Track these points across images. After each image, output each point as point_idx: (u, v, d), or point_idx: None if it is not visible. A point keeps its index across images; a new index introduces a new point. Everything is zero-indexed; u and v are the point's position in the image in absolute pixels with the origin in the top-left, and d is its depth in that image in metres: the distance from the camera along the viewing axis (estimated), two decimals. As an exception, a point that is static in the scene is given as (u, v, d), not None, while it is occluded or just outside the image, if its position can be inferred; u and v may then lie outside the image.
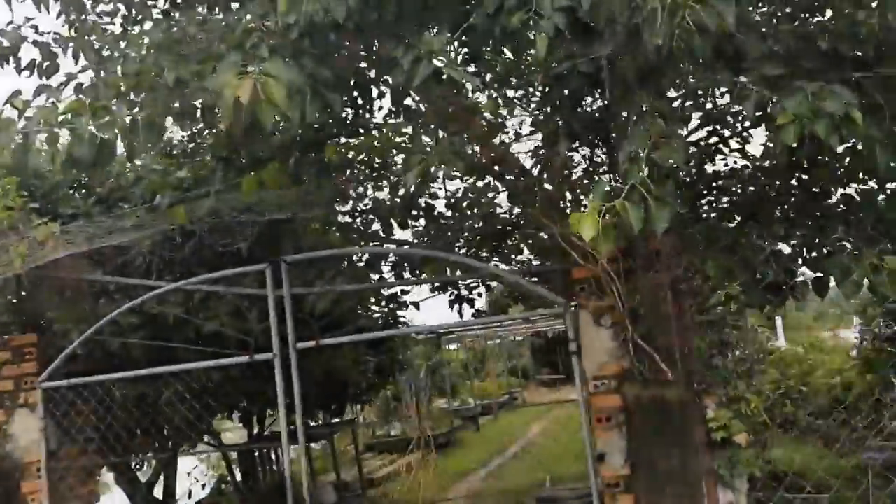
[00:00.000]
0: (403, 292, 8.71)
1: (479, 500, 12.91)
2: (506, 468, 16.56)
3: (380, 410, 20.40)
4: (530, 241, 7.36)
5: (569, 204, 5.98)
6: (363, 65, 5.95)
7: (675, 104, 6.22)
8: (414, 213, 7.21)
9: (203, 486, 13.53)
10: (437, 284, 8.48)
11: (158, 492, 9.14)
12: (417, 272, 7.04)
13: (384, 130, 7.02)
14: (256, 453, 13.45)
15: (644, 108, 4.57)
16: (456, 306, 9.01)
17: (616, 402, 5.56)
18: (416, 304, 8.56)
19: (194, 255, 6.90)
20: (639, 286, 5.47)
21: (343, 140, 7.10)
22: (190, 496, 14.53)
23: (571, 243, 5.59)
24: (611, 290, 5.56)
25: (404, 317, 10.09)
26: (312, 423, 13.57)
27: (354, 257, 7.25)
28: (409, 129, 6.93)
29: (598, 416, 5.60)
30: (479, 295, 9.71)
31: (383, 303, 10.10)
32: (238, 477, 13.29)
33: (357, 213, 7.56)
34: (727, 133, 6.73)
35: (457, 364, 29.02)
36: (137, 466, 9.46)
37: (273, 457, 13.78)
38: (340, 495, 13.78)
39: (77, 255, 6.52)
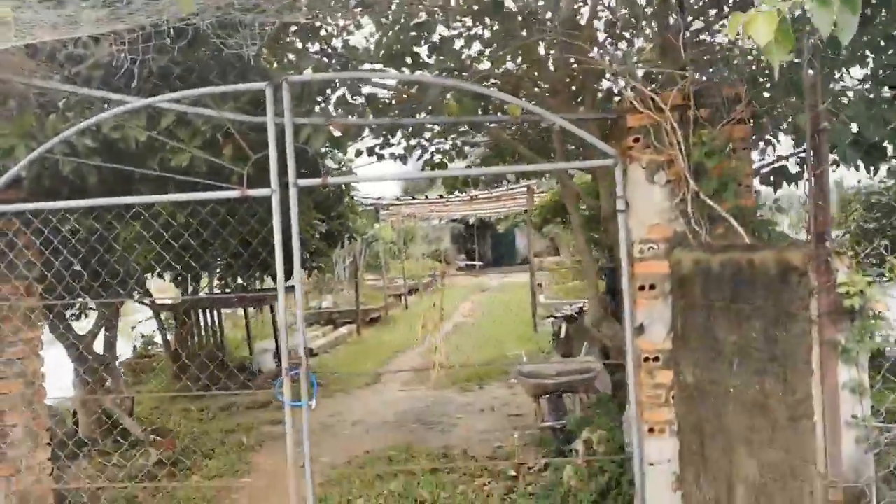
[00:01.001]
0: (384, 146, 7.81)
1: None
2: (452, 345, 16.13)
3: (312, 281, 19.64)
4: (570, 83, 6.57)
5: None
6: None
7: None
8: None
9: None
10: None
11: (98, 346, 8.25)
12: (427, 113, 6.13)
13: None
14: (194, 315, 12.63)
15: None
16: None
17: (663, 268, 4.96)
18: (401, 157, 7.68)
19: (179, 65, 5.88)
20: (705, 139, 4.79)
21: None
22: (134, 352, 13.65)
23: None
24: (671, 141, 4.87)
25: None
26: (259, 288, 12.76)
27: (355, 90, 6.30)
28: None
29: (640, 284, 4.99)
30: (451, 159, 8.96)
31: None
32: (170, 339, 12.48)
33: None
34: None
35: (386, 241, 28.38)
36: (73, 316, 8.52)
37: (204, 320, 12.99)
38: (279, 363, 13.10)
39: (26, 51, 5.46)
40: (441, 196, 19.37)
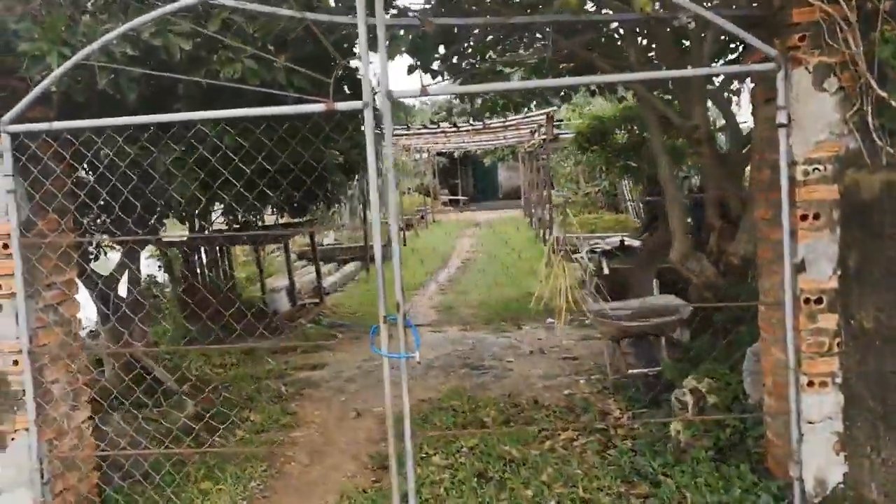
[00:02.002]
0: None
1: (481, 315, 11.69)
2: (462, 283, 15.43)
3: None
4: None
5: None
6: None
7: None
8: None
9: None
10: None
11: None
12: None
13: None
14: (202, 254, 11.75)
15: None
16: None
17: (831, 193, 4.22)
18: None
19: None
20: (888, 36, 4.00)
21: None
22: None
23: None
24: (848, 38, 4.07)
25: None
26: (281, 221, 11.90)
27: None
28: None
29: (802, 213, 4.24)
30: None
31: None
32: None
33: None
34: None
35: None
36: (93, 255, 7.65)
37: (212, 259, 12.11)
38: (294, 303, 12.34)
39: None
40: (455, 125, 18.37)
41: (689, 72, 5.89)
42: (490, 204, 45.97)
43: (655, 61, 7.20)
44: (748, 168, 7.00)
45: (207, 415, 6.73)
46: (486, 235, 26.10)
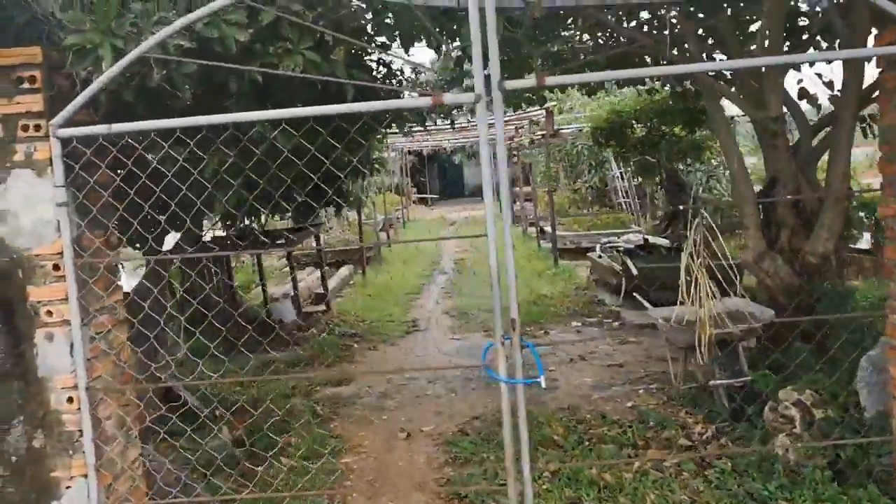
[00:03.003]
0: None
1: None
2: (464, 285, 14.92)
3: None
4: None
5: None
6: None
7: None
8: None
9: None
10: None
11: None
12: None
13: None
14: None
15: None
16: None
17: None
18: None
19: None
20: None
21: None
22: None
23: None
24: None
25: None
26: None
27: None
28: None
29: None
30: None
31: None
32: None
33: None
34: None
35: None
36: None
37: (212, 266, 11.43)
38: (300, 312, 11.74)
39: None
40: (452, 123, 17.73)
41: (833, 54, 5.41)
42: (457, 201, 45.65)
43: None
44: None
45: (247, 441, 6.19)
46: (467, 232, 25.60)
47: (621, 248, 11.49)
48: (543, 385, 3.87)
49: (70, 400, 4.03)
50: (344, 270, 16.62)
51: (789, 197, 6.16)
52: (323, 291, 13.29)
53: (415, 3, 3.94)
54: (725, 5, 6.22)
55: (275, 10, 4.68)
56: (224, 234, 11.81)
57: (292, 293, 11.96)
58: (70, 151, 3.92)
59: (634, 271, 10.15)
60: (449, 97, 3.79)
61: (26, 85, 3.94)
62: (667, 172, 12.19)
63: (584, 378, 7.86)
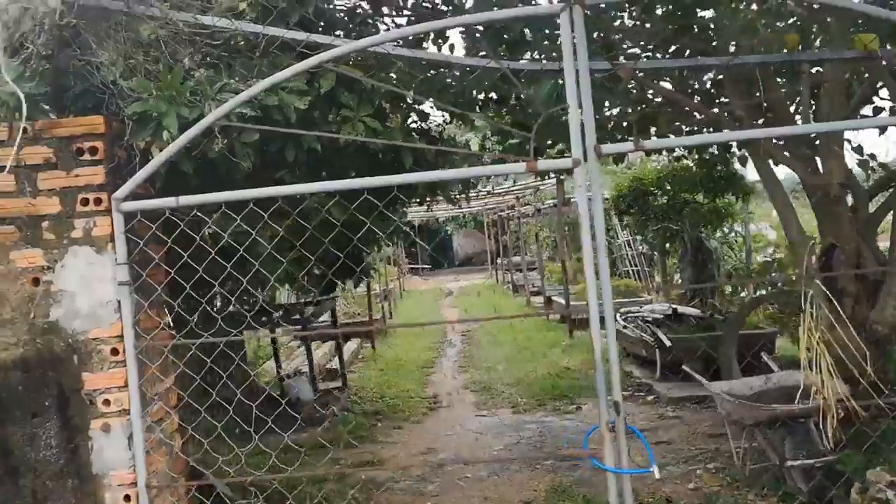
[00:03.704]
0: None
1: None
2: (479, 358, 14.54)
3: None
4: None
5: None
6: None
7: None
8: None
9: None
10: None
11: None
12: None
13: None
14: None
15: None
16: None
17: None
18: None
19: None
20: None
21: None
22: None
23: None
24: None
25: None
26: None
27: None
28: None
29: None
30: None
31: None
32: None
33: None
34: None
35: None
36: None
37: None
38: (316, 390, 11.31)
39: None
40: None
41: (863, 122, 5.23)
42: (448, 270, 45.58)
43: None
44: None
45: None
46: (471, 304, 25.29)
47: (647, 318, 11.20)
48: (657, 475, 3.53)
49: (127, 498, 3.67)
50: (351, 345, 16.20)
51: (856, 271, 5.93)
52: (336, 367, 12.90)
53: (512, 66, 3.69)
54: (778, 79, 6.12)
55: (332, 78, 4.49)
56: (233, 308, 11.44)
57: (306, 370, 11.55)
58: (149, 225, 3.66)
59: (668, 343, 9.83)
60: (544, 163, 3.54)
61: (87, 156, 3.67)
62: (691, 240, 12.00)
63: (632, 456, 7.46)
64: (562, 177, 14.99)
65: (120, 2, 3.81)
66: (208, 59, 4.29)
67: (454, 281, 37.41)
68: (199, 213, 3.93)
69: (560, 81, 3.86)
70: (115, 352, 3.66)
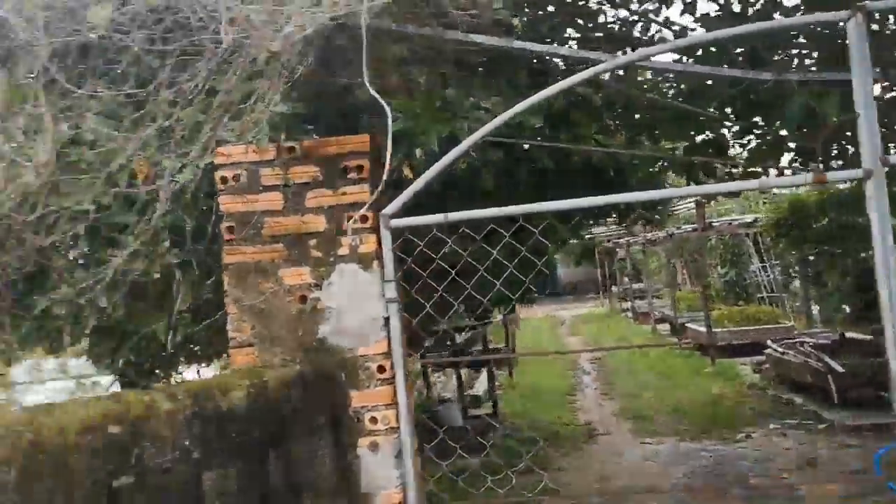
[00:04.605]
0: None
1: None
2: (620, 386, 14.25)
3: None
4: None
5: None
6: None
7: None
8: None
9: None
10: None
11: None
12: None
13: None
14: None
15: None
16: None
17: None
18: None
19: None
20: None
21: None
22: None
23: None
24: None
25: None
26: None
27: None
28: None
29: None
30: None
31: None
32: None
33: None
34: None
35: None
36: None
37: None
38: (466, 416, 11.26)
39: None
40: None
41: None
42: (555, 299, 45.14)
43: None
44: None
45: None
46: (592, 331, 24.93)
47: (810, 344, 10.78)
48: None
49: (396, 522, 3.64)
50: (484, 372, 16.14)
51: None
52: (478, 394, 12.87)
53: (797, 79, 3.57)
54: None
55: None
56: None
57: (449, 396, 11.54)
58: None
59: (840, 369, 9.42)
60: (833, 174, 3.40)
61: (353, 175, 3.71)
62: (860, 264, 11.52)
63: (828, 487, 7.14)
64: (702, 201, 14.66)
65: (386, 21, 3.86)
66: (444, 76, 4.31)
67: (562, 310, 36.96)
68: (466, 230, 3.92)
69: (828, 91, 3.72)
70: (381, 369, 3.65)
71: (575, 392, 14.06)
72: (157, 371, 5.84)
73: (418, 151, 3.87)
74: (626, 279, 31.78)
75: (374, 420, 3.65)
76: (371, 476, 3.65)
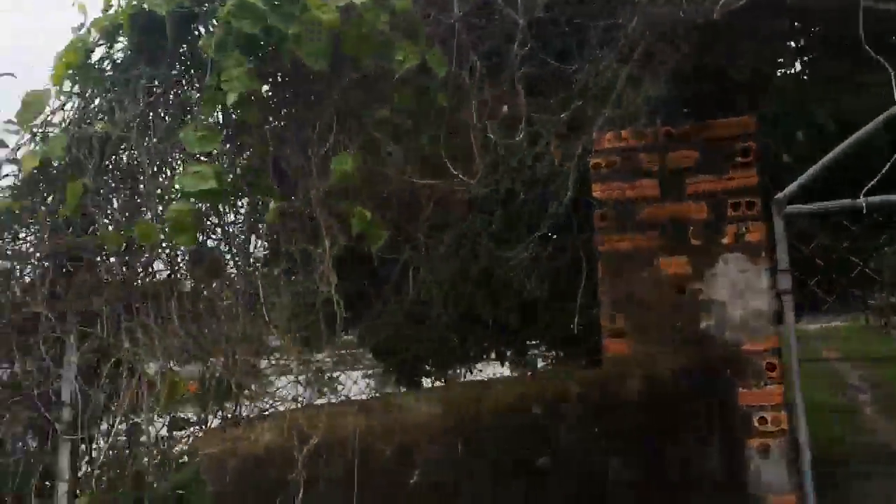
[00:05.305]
0: None
1: None
2: None
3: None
4: None
5: None
6: None
7: None
8: None
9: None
10: None
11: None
12: None
13: None
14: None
15: None
16: None
17: None
18: None
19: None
20: None
21: None
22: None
23: None
24: None
25: None
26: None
27: None
28: None
29: None
30: None
31: None
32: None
33: None
34: None
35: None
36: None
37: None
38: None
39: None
40: None
41: None
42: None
43: None
44: None
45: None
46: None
47: None
48: None
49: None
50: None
51: None
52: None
53: None
54: None
55: None
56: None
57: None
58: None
59: None
60: None
61: (739, 159, 3.48)
62: None
63: None
64: None
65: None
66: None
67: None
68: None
69: None
70: (770, 367, 3.40)
71: (855, 412, 12.62)
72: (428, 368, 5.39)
73: (799, 134, 3.57)
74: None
75: (763, 420, 3.40)
76: (760, 478, 3.40)
